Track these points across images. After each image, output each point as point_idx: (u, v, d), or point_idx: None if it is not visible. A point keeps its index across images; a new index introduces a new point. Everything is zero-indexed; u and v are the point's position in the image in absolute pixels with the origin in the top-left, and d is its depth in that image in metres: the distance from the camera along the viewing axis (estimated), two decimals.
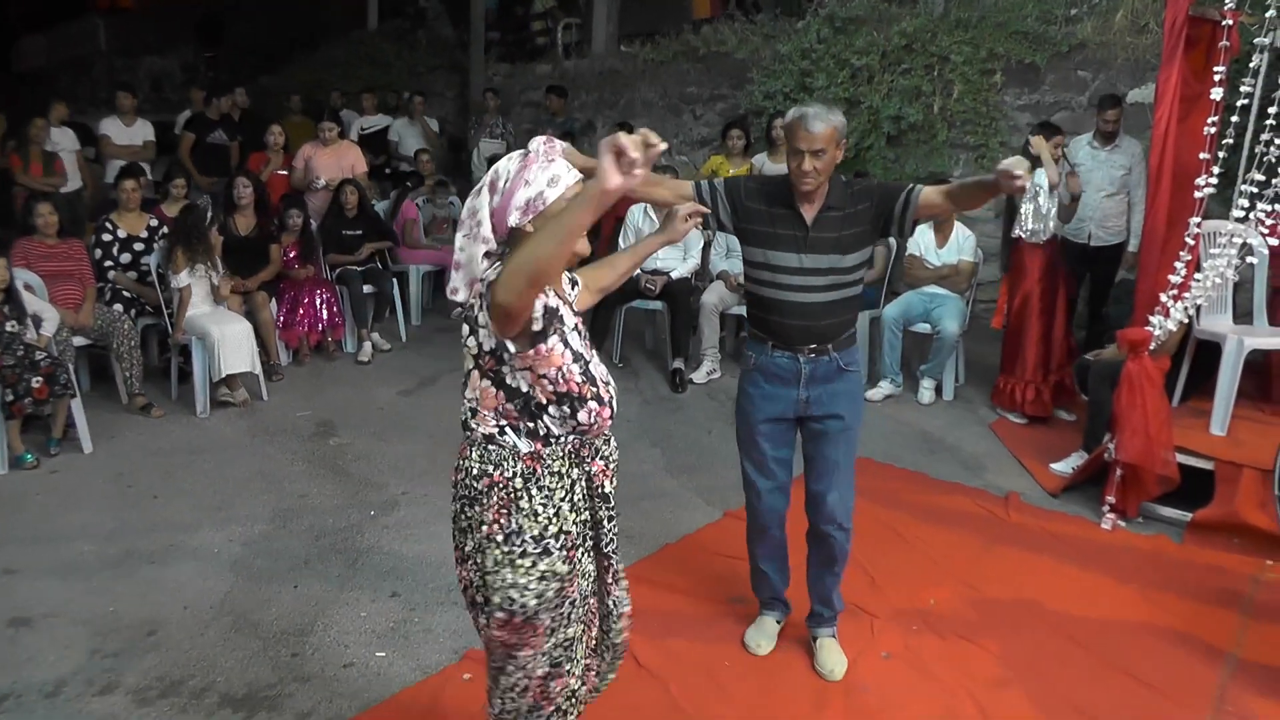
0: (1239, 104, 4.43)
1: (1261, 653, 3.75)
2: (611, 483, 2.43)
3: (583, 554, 2.38)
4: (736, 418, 3.54)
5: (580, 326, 2.35)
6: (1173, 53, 4.46)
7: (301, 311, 7.24)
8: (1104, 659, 3.68)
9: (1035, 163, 5.74)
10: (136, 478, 5.26)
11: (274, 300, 7.15)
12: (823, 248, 3.23)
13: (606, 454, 2.42)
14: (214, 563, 4.36)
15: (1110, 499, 4.80)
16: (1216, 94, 4.39)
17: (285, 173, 8.29)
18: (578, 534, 2.33)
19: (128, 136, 8.80)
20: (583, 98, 11.42)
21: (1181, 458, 4.77)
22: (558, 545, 2.25)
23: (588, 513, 2.38)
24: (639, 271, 7.18)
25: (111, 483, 5.20)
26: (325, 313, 7.35)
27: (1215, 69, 4.38)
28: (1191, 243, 4.56)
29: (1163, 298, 4.60)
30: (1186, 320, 4.74)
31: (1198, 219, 4.53)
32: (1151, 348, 4.67)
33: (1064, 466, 5.33)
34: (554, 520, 2.25)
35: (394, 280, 7.99)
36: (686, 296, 7.15)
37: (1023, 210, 6.01)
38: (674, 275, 7.16)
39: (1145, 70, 7.60)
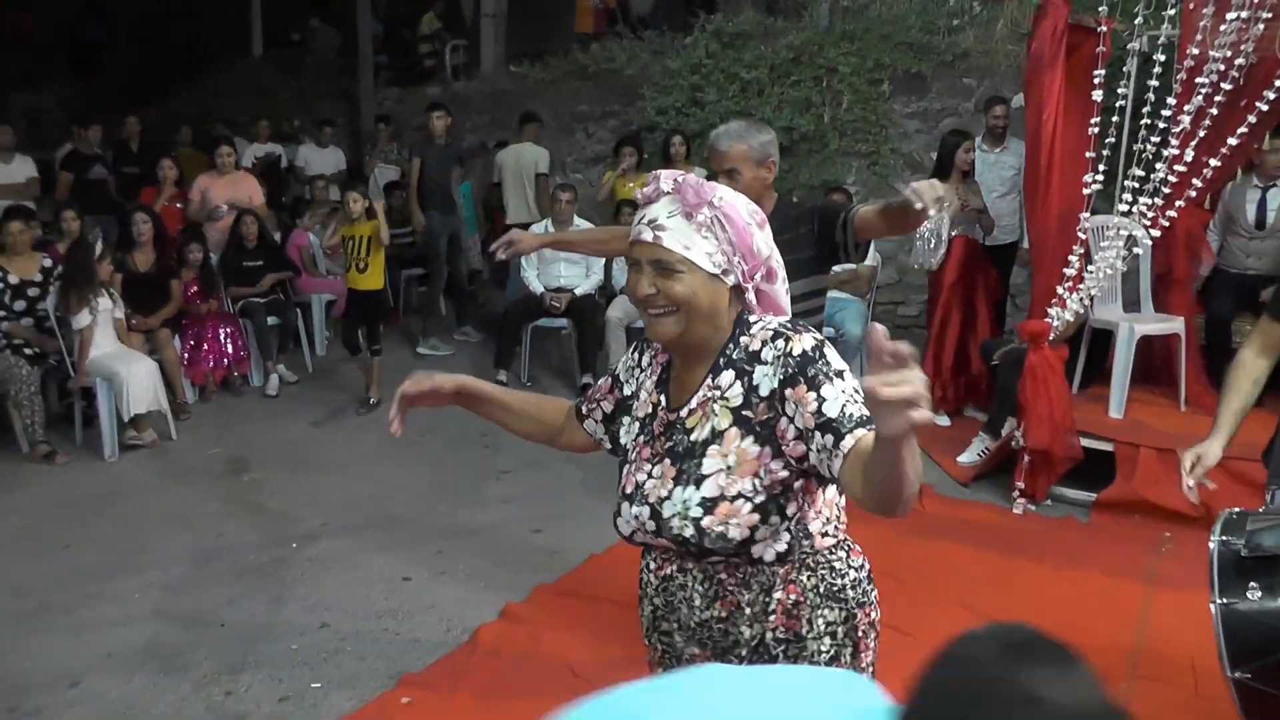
0: (1117, 105, 4.67)
1: (1166, 618, 3.95)
2: None
3: None
4: None
5: None
6: (1054, 58, 4.68)
7: (206, 347, 7.09)
8: None
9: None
10: (44, 529, 5.08)
11: (177, 337, 6.99)
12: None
13: None
14: (135, 608, 4.24)
15: (1020, 484, 4.98)
16: (1097, 96, 4.61)
17: (180, 206, 8.10)
18: None
19: (7, 174, 8.39)
20: (474, 119, 11.40)
21: (1084, 440, 5.00)
22: None
23: None
24: (543, 289, 7.20)
25: (16, 536, 4.99)
26: (230, 347, 7.21)
27: (1094, 73, 4.60)
28: (1083, 237, 4.77)
29: (1059, 290, 4.80)
30: (1082, 311, 4.96)
31: (1086, 214, 4.75)
32: (1051, 338, 4.87)
33: (969, 456, 5.50)
34: None
35: (297, 311, 7.88)
36: (592, 313, 7.20)
37: (917, 245, 6.23)
38: (578, 292, 7.22)
39: None
